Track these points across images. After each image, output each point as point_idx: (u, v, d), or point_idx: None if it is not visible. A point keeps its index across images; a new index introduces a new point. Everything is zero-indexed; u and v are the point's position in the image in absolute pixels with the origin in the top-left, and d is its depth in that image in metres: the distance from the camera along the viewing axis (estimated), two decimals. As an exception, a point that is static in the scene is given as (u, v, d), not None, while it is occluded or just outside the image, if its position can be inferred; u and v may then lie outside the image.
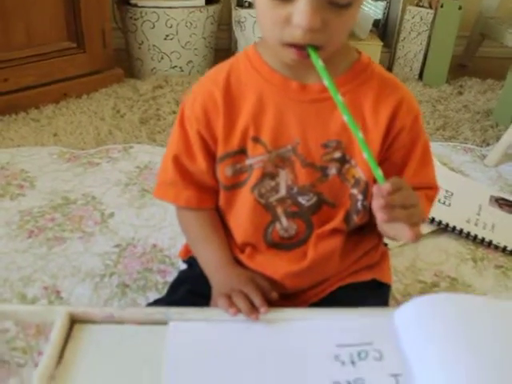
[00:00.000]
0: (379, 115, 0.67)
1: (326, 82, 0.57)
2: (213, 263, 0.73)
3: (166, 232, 1.16)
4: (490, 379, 0.52)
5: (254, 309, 0.63)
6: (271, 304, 0.64)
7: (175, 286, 0.82)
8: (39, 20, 1.74)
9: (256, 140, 0.68)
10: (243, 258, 0.74)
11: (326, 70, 0.57)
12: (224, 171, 0.70)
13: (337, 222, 0.72)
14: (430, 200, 0.74)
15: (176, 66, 2.14)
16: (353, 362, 0.58)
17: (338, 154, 0.68)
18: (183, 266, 0.87)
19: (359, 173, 0.69)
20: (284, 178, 0.69)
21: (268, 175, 0.69)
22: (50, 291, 0.98)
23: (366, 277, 0.77)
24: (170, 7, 2.00)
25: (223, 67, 0.71)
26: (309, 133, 0.67)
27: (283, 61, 0.64)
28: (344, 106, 0.56)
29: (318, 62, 0.58)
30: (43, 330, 0.87)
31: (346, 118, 0.57)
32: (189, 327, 0.62)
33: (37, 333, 0.88)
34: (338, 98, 0.57)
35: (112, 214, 1.23)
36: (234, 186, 0.71)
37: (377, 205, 0.56)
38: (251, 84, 0.67)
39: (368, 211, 0.73)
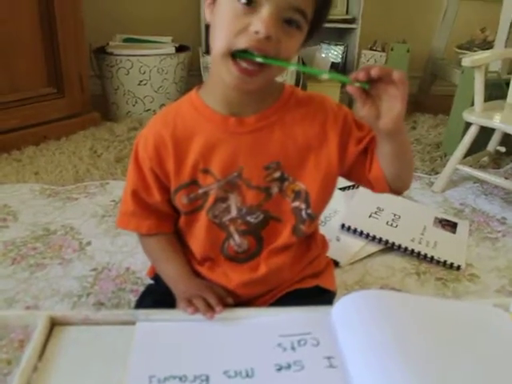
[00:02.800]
0: (308, 131, 0.76)
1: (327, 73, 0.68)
2: (175, 277, 0.82)
3: (139, 257, 1.25)
4: (404, 358, 0.61)
5: (210, 308, 0.72)
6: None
7: (143, 298, 0.91)
8: (22, 67, 1.85)
9: (206, 171, 0.76)
10: (203, 270, 0.84)
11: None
12: (181, 200, 0.78)
13: (285, 236, 0.81)
14: None
15: (149, 110, 2.28)
16: (293, 348, 0.68)
17: (277, 174, 0.78)
18: (152, 285, 0.96)
19: (299, 185, 0.79)
20: (234, 201, 0.78)
21: (220, 199, 0.78)
22: (31, 310, 1.05)
23: (310, 284, 0.87)
24: (143, 55, 2.17)
25: (170, 110, 0.79)
26: (251, 159, 0.77)
27: (225, 79, 0.69)
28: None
29: (289, 65, 0.66)
30: (25, 343, 0.95)
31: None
32: (153, 326, 0.71)
33: (19, 347, 0.97)
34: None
35: (89, 243, 1.32)
36: (192, 211, 0.80)
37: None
38: (195, 125, 0.76)
39: (313, 219, 0.82)
